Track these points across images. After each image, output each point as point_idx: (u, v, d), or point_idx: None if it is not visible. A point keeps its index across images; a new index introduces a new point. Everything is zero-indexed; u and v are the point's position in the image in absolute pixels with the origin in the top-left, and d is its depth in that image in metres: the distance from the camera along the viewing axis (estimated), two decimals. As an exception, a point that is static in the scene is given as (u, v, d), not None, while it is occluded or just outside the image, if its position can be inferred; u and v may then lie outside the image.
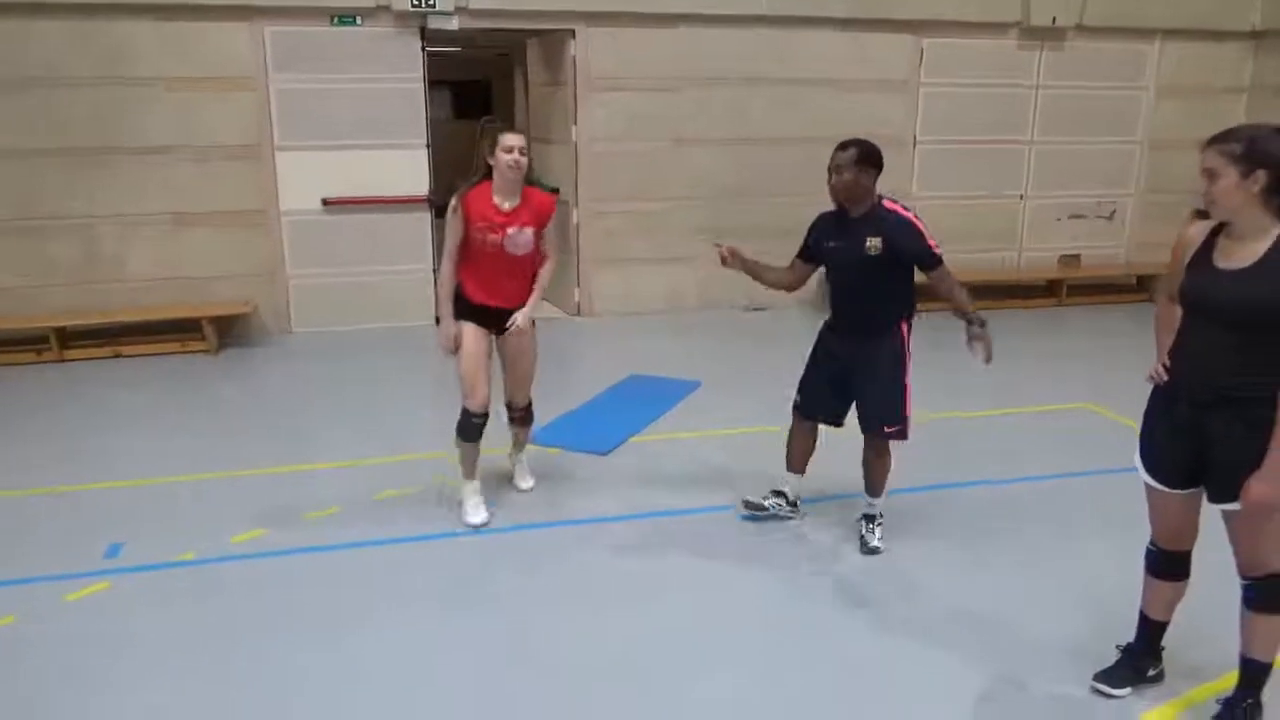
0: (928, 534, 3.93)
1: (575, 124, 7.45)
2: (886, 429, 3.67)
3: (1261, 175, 2.41)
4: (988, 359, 3.38)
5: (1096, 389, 5.80)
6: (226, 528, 3.96)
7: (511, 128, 3.80)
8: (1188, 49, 8.46)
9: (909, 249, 3.49)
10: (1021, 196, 8.50)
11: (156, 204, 6.74)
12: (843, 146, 3.54)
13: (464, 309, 3.87)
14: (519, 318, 3.88)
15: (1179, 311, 2.67)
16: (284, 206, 7.02)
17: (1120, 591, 3.08)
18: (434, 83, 8.92)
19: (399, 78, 7.01)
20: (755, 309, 7.69)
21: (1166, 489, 2.71)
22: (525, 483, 4.33)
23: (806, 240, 3.75)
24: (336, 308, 7.18)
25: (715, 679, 3.01)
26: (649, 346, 6.88)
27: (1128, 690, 2.90)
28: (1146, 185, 8.69)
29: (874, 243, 3.47)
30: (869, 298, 3.58)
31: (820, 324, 3.85)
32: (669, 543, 3.90)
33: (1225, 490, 2.56)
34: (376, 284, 7.29)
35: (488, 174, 3.76)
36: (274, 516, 4.08)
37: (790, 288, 3.88)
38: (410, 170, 7.19)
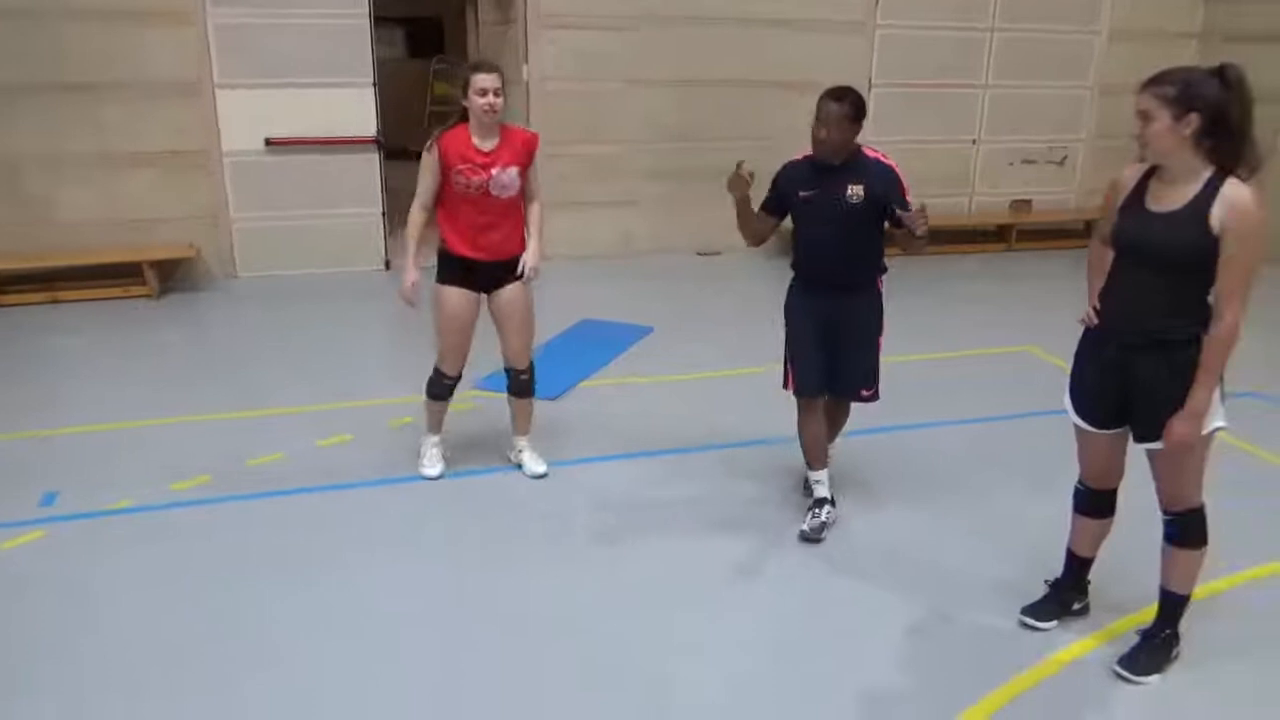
0: (865, 476, 3.99)
1: (526, 63, 7.30)
2: (864, 392, 3.55)
3: (1194, 119, 2.43)
4: (923, 224, 3.14)
5: (1038, 332, 5.88)
6: (168, 475, 3.91)
7: (486, 67, 3.52)
8: (1141, -8, 8.48)
9: (892, 199, 3.26)
10: (974, 141, 8.52)
11: (93, 144, 6.50)
12: (835, 97, 3.22)
13: (449, 268, 3.64)
14: (529, 258, 3.68)
15: (1111, 254, 2.70)
16: (226, 147, 6.81)
17: (1049, 529, 3.17)
18: (386, 20, 8.68)
19: (343, 13, 6.79)
20: (709, 254, 7.68)
21: (1094, 429, 2.78)
22: (538, 467, 3.97)
23: (773, 191, 3.45)
24: (283, 252, 7.03)
25: (658, 620, 3.07)
26: (601, 291, 6.85)
27: (1054, 623, 3.01)
28: (1097, 130, 8.75)
29: (856, 190, 3.26)
30: (849, 251, 3.35)
31: (788, 285, 3.55)
32: (616, 487, 3.93)
33: (1149, 430, 2.62)
34: (324, 228, 7.14)
35: (463, 117, 3.53)
36: (217, 463, 4.04)
37: (759, 240, 3.56)
38: (357, 110, 6.99)
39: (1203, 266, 2.48)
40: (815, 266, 3.44)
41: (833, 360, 3.49)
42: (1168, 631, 2.83)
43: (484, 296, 3.74)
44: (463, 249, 3.60)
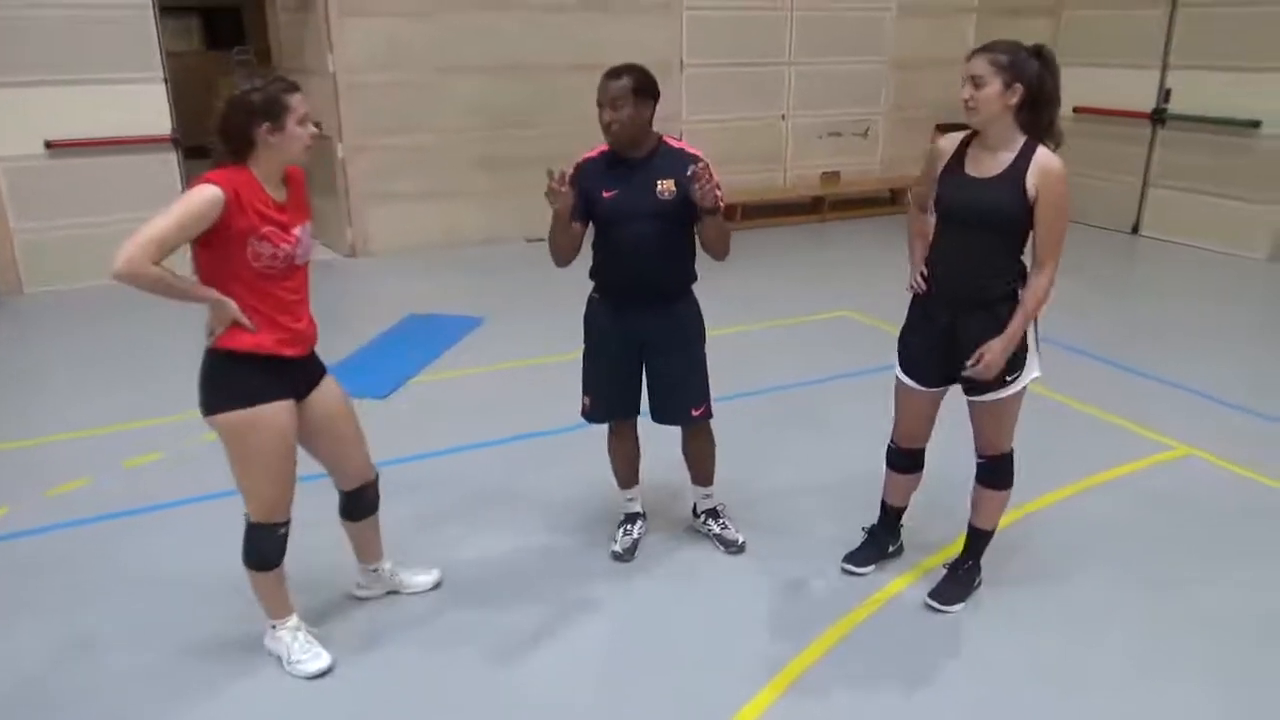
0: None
1: (331, 53, 7.04)
2: (694, 411, 3.17)
3: (1019, 89, 2.60)
4: (709, 186, 2.79)
5: (853, 296, 6.24)
6: (-46, 513, 3.59)
7: (296, 86, 2.49)
8: (924, -30, 9.04)
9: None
10: (783, 116, 8.88)
11: None
12: (614, 74, 2.88)
13: (262, 378, 2.52)
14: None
15: (931, 220, 2.84)
16: (-2, 152, 6.26)
17: (866, 481, 3.37)
18: (179, 9, 8.10)
19: (122, 2, 6.34)
20: (536, 240, 7.66)
21: (920, 387, 2.93)
22: (428, 576, 3.15)
23: (575, 195, 2.91)
24: (74, 263, 6.48)
25: (491, 616, 3.08)
26: (428, 285, 6.74)
27: (871, 568, 3.22)
28: (895, 102, 9.29)
29: (665, 185, 2.90)
30: (663, 255, 2.99)
31: (588, 298, 3.17)
32: (450, 482, 3.90)
33: (984, 385, 2.80)
34: (120, 235, 6.50)
35: (236, 156, 2.43)
36: (13, 494, 3.73)
37: (568, 258, 3.03)
38: (147, 107, 6.56)
39: (1019, 228, 2.67)
40: (625, 276, 3.03)
41: (653, 382, 3.16)
42: (970, 563, 3.10)
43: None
44: (280, 346, 2.54)
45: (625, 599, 3.14)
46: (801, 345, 5.51)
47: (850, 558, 3.23)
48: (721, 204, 2.88)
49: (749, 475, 3.87)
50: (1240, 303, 6.41)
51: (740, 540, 3.38)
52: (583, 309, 3.20)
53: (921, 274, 2.87)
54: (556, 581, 3.22)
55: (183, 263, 2.44)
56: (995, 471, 2.97)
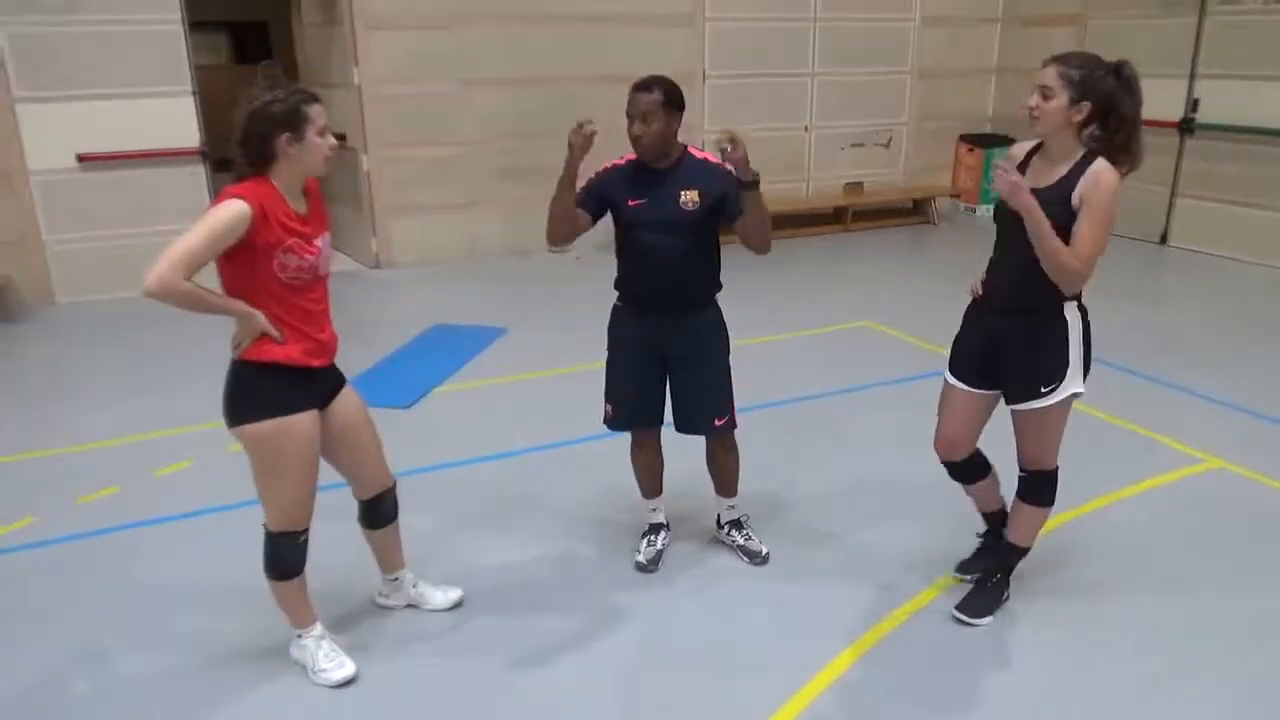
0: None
1: (357, 65, 7.12)
2: (717, 421, 3.15)
3: (1086, 107, 2.53)
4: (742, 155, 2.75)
5: (876, 307, 6.20)
6: (-14, 521, 3.64)
7: (315, 97, 2.51)
8: (949, -20, 9.02)
9: (731, 197, 2.92)
10: (806, 128, 8.87)
11: (-128, 168, 5.96)
12: (644, 87, 2.87)
13: (290, 389, 2.53)
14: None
15: None
16: (32, 166, 6.36)
17: (889, 491, 3.35)
18: (208, 24, 8.19)
19: (152, 18, 6.44)
20: (558, 251, 7.68)
21: (966, 387, 2.88)
22: (450, 594, 3.12)
23: (589, 192, 3.00)
24: (105, 274, 6.60)
25: (532, 619, 3.08)
26: (451, 295, 6.77)
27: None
28: (917, 113, 9.25)
29: (690, 195, 2.91)
30: (686, 264, 3.00)
31: (613, 306, 3.18)
32: (475, 492, 3.90)
33: (1017, 392, 2.77)
34: (150, 247, 6.61)
35: (257, 167, 2.44)
36: (42, 503, 3.78)
37: (566, 238, 3.05)
38: (177, 120, 6.65)
39: (1066, 240, 2.55)
40: (648, 285, 3.05)
41: (676, 392, 3.16)
42: (999, 576, 3.05)
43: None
44: (308, 357, 2.56)
45: (649, 609, 3.12)
46: (824, 355, 5.47)
47: (962, 566, 3.20)
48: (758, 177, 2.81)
49: (772, 485, 3.85)
50: (1270, 314, 6.31)
51: (764, 551, 3.36)
52: (604, 319, 3.20)
53: (981, 280, 2.85)
54: (580, 591, 3.22)
55: (210, 277, 2.47)
56: (1035, 487, 2.91)
